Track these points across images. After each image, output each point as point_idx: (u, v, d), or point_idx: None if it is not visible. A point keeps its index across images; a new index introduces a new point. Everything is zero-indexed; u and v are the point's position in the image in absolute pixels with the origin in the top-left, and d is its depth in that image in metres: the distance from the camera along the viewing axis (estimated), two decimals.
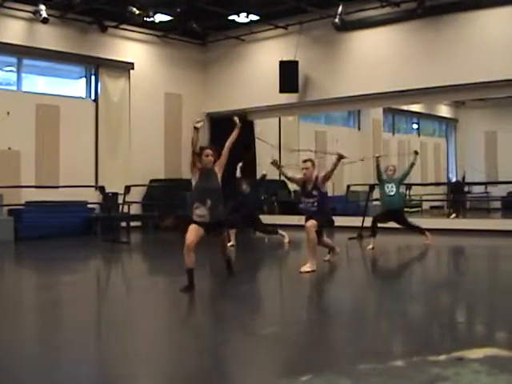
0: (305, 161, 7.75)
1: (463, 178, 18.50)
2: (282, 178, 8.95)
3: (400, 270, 8.64)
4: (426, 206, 19.55)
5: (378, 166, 10.08)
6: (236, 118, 6.60)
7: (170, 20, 14.04)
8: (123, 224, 12.52)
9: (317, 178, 7.60)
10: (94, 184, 13.59)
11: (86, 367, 3.89)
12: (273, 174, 11.91)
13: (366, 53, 13.77)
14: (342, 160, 7.69)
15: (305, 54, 14.16)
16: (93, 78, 14.37)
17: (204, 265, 7.94)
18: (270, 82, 14.31)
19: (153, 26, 14.45)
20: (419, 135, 23.12)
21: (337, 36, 14.08)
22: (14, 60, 13.19)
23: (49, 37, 13.28)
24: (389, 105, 16.97)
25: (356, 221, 11.75)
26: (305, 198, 7.70)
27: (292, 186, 15.24)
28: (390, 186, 9.97)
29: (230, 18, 14.28)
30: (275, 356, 4.04)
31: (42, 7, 12.44)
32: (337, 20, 13.42)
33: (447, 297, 6.23)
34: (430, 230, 10.44)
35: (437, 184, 21.37)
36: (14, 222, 11.92)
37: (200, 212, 6.22)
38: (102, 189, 11.84)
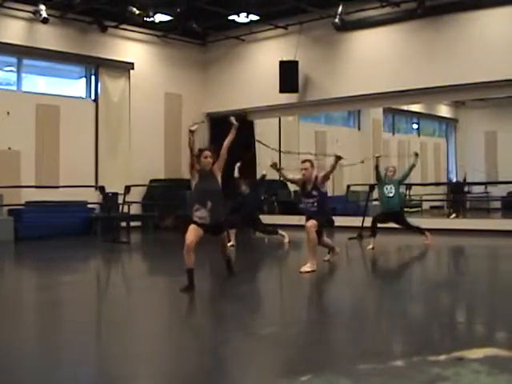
0: (303, 161, 7.77)
1: (464, 179, 18.48)
2: (282, 178, 8.97)
3: (400, 270, 8.64)
4: (426, 206, 19.55)
5: (377, 167, 10.07)
6: (232, 118, 6.59)
7: (170, 20, 14.05)
8: (123, 224, 12.51)
9: (316, 178, 7.62)
10: (94, 184, 13.58)
11: (86, 367, 3.89)
12: (273, 174, 11.88)
13: (365, 53, 13.77)
14: (340, 161, 7.72)
15: (305, 54, 14.16)
16: (93, 78, 14.37)
17: (204, 265, 7.94)
18: (269, 82, 14.31)
19: (153, 26, 14.45)
20: (419, 135, 23.12)
21: (337, 36, 14.08)
22: (14, 60, 13.19)
23: (49, 37, 13.28)
24: (389, 105, 16.97)
25: (356, 221, 11.75)
26: (305, 199, 7.71)
27: (292, 187, 15.24)
28: (389, 187, 9.96)
29: (230, 18, 14.29)
30: (275, 356, 4.04)
31: (42, 7, 12.44)
32: (337, 20, 13.42)
33: (447, 297, 6.23)
34: (430, 230, 10.44)
35: (437, 184, 21.37)
36: (14, 222, 11.92)
37: (200, 214, 6.22)
38: (101, 189, 11.84)
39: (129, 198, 12.29)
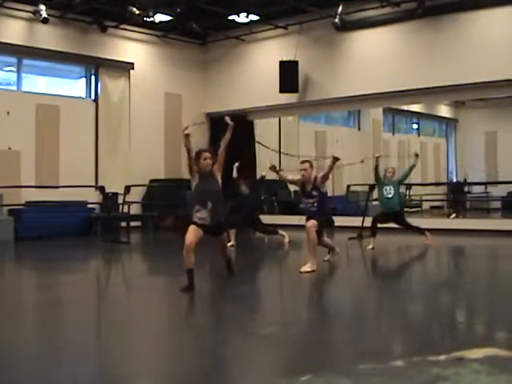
0: (302, 162, 7.80)
1: (465, 180, 18.48)
2: (281, 180, 8.98)
3: (400, 270, 8.64)
4: (426, 206, 19.55)
5: (376, 167, 10.03)
6: (227, 118, 6.58)
7: (170, 20, 14.05)
8: (123, 224, 12.51)
9: (315, 178, 7.62)
10: (94, 184, 13.58)
11: (86, 367, 3.89)
12: (273, 174, 11.89)
13: (366, 53, 13.77)
14: (337, 162, 7.75)
15: (305, 54, 14.16)
16: (93, 78, 14.37)
17: (204, 265, 7.94)
18: (269, 82, 14.31)
19: (153, 26, 14.46)
20: (419, 135, 23.12)
21: (337, 36, 14.08)
22: (14, 60, 13.19)
23: (49, 37, 13.28)
24: (389, 105, 16.97)
25: (356, 221, 11.75)
26: (305, 199, 7.71)
27: (292, 187, 15.24)
28: (388, 188, 9.95)
29: (230, 18, 14.29)
30: (275, 356, 4.04)
31: (42, 7, 12.44)
32: (337, 20, 13.42)
33: (447, 297, 6.23)
34: (430, 230, 10.44)
35: (437, 184, 21.37)
36: (14, 222, 11.92)
37: (201, 215, 6.21)
38: (102, 189, 11.83)
39: (129, 198, 12.29)
